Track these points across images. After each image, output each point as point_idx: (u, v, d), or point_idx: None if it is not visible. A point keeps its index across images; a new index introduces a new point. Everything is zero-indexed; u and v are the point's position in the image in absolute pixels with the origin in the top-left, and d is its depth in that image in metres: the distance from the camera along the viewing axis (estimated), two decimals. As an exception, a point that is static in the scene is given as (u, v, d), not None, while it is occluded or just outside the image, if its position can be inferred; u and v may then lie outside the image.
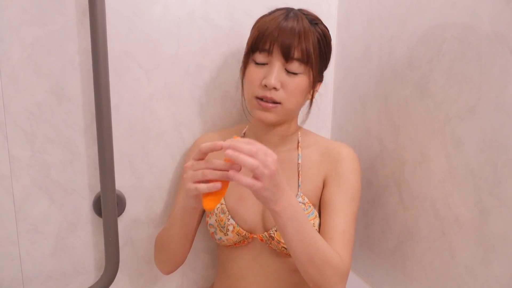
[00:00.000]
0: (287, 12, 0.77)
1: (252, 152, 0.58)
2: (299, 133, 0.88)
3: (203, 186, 0.62)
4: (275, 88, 0.75)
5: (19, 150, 0.86)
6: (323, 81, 0.87)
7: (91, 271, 0.97)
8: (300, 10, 0.80)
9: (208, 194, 0.63)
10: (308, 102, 0.84)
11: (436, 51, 0.75)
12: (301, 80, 0.76)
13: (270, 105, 0.76)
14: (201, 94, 0.99)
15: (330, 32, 0.82)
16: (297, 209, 0.66)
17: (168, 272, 0.88)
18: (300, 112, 0.88)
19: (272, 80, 0.74)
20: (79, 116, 0.89)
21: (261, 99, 0.77)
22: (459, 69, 0.70)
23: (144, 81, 0.93)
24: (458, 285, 0.73)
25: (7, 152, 0.85)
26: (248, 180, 0.59)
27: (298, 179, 0.83)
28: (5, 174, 0.86)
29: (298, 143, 0.87)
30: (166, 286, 1.06)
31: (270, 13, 0.80)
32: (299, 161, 0.84)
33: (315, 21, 0.79)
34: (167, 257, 0.85)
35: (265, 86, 0.75)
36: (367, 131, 0.98)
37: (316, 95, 0.88)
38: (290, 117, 0.81)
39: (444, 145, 0.74)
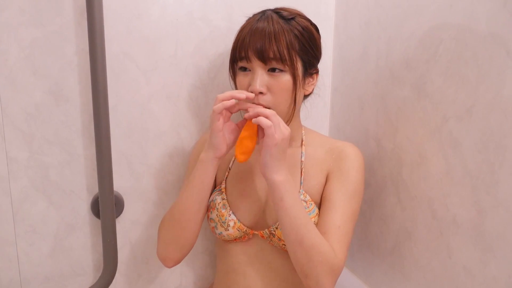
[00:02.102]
0: (260, 15, 0.77)
1: (271, 114, 0.68)
2: (303, 131, 0.88)
3: (218, 105, 0.71)
4: (261, 93, 0.75)
5: (17, 151, 0.86)
6: (321, 82, 0.87)
7: (89, 272, 0.97)
8: (275, 9, 0.79)
9: (238, 149, 0.73)
10: (310, 97, 0.83)
11: (433, 52, 0.75)
12: (286, 79, 0.75)
13: None
14: (199, 95, 0.99)
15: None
16: (294, 187, 0.72)
17: (174, 260, 0.82)
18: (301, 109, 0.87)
19: (257, 86, 0.74)
20: (77, 117, 0.89)
21: None
22: (456, 70, 0.70)
23: (142, 82, 0.93)
24: (455, 285, 0.73)
25: (5, 153, 0.85)
26: (267, 121, 0.67)
27: (301, 177, 0.82)
28: (3, 175, 0.86)
29: (302, 141, 0.86)
30: (165, 287, 1.06)
31: (247, 20, 0.80)
32: (302, 159, 0.84)
33: (290, 16, 0.77)
34: (177, 233, 0.80)
35: (252, 92, 0.75)
36: (365, 131, 0.99)
37: (314, 95, 0.88)
38: (287, 117, 0.80)
39: (442, 146, 0.75)
